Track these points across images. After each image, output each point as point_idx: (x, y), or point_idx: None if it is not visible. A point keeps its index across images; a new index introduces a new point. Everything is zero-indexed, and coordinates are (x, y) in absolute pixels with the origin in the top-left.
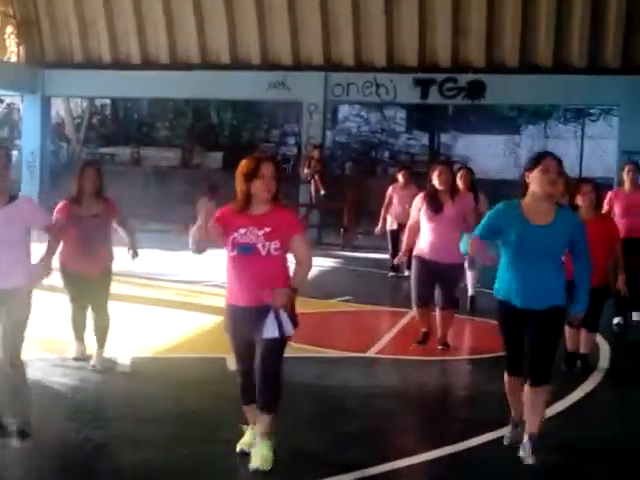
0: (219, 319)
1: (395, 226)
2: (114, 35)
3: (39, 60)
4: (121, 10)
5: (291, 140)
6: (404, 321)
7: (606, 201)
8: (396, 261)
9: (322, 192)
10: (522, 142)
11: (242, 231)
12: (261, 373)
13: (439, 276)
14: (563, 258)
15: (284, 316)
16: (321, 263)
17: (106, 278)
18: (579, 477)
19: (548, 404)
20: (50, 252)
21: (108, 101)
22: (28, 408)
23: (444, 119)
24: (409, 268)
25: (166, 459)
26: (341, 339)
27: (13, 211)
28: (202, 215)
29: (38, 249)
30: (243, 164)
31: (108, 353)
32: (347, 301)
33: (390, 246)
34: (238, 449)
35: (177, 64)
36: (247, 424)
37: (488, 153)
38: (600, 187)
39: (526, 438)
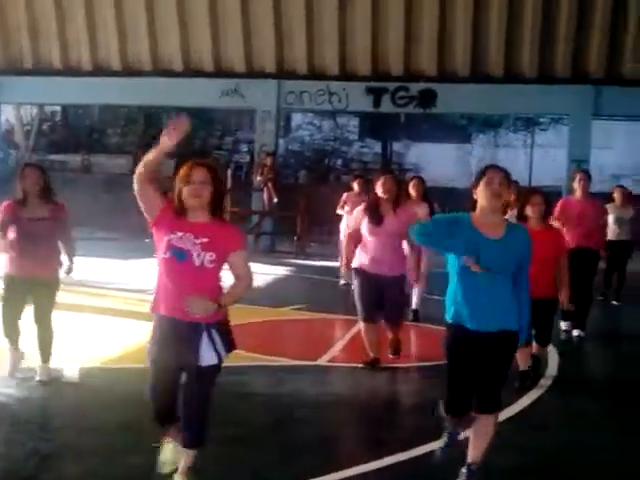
0: None
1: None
2: (65, 41)
3: None
4: (72, 16)
5: (244, 147)
6: (356, 329)
7: (557, 209)
8: (342, 275)
9: (275, 200)
10: (473, 150)
11: (179, 234)
12: (190, 405)
13: (383, 290)
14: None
15: (216, 337)
16: (274, 271)
17: (51, 286)
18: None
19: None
20: None
21: (59, 108)
22: None
23: (396, 127)
24: None
25: (108, 468)
26: (293, 347)
27: None
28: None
29: None
30: (181, 169)
31: (54, 363)
32: (300, 309)
33: (341, 254)
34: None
35: (129, 71)
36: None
37: (440, 161)
38: (550, 197)
39: (465, 468)
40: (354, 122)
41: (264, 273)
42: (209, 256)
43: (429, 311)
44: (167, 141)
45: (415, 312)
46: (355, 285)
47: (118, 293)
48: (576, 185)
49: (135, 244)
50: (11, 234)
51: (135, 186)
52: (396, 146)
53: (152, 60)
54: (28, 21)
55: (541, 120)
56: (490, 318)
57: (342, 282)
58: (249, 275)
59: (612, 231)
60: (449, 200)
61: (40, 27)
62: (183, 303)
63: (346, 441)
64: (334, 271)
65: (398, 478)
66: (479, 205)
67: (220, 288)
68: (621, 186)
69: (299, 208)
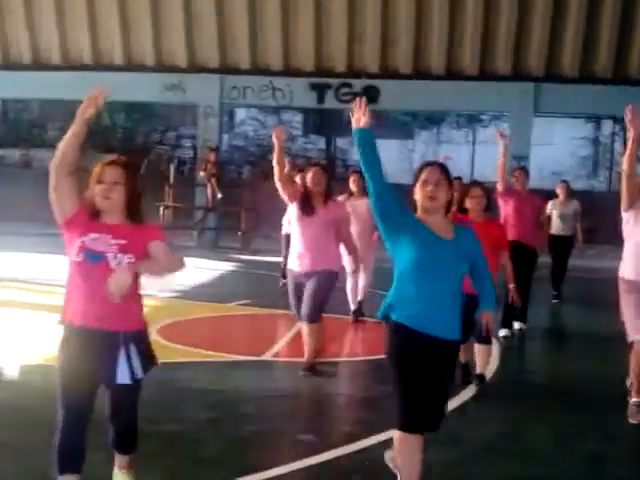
0: None
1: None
2: (4, 35)
3: None
4: (12, 9)
5: (187, 143)
6: (300, 324)
7: (500, 196)
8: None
9: (219, 195)
10: (416, 147)
11: (93, 236)
12: (119, 422)
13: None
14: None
15: (134, 354)
16: (218, 266)
17: None
18: (467, 472)
19: None
20: None
21: None
22: None
23: (340, 124)
24: None
25: (47, 467)
26: (237, 343)
27: None
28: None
29: None
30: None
31: None
32: (245, 305)
33: (284, 251)
34: None
35: (69, 65)
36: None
37: (383, 158)
38: (490, 191)
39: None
40: (298, 118)
41: (208, 268)
42: (127, 258)
43: (372, 307)
44: (86, 108)
45: (359, 305)
46: (288, 285)
47: (57, 289)
48: (514, 182)
49: None
50: None
51: (51, 177)
52: (340, 142)
53: (93, 54)
54: None
55: (482, 117)
56: (445, 323)
57: (283, 281)
58: (171, 261)
59: (556, 226)
60: None
61: None
62: (98, 310)
63: (290, 436)
64: (278, 267)
65: (341, 472)
66: (420, 205)
67: (139, 295)
68: (564, 181)
69: (243, 204)
